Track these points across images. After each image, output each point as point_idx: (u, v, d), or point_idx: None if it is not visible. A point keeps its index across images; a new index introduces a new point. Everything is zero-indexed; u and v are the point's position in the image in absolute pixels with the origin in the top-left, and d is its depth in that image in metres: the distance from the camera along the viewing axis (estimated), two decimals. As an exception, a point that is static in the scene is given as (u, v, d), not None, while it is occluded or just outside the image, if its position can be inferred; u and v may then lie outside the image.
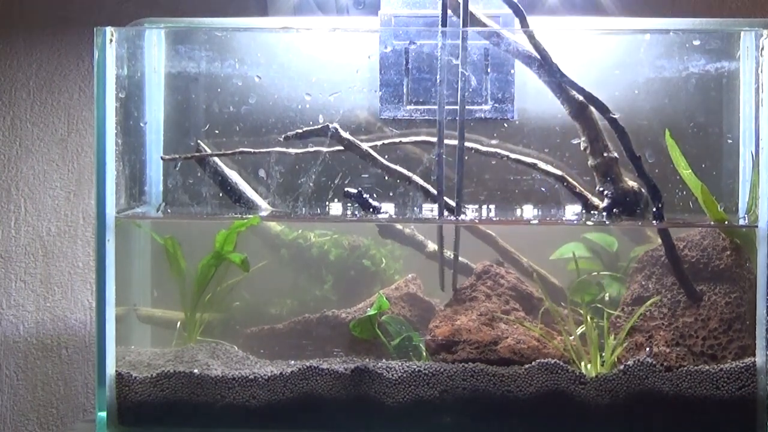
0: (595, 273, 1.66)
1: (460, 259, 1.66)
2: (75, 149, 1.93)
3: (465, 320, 1.55)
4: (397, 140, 1.56)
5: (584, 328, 1.54)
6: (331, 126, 1.53)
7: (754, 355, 1.45)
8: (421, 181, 1.55)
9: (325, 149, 1.55)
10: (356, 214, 1.58)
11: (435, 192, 1.53)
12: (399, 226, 1.69)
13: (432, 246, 1.70)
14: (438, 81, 1.52)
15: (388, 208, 1.57)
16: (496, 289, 1.62)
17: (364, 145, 1.55)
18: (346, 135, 1.54)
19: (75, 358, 1.95)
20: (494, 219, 1.57)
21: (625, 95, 1.55)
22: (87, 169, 1.92)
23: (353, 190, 1.51)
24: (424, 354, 1.58)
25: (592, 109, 1.50)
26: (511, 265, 1.67)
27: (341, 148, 1.56)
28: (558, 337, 1.55)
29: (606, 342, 1.52)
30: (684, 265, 1.54)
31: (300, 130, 1.54)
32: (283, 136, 1.53)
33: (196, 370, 1.51)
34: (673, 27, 1.60)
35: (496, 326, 1.55)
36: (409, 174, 1.55)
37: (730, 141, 1.56)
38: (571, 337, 1.52)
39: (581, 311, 1.57)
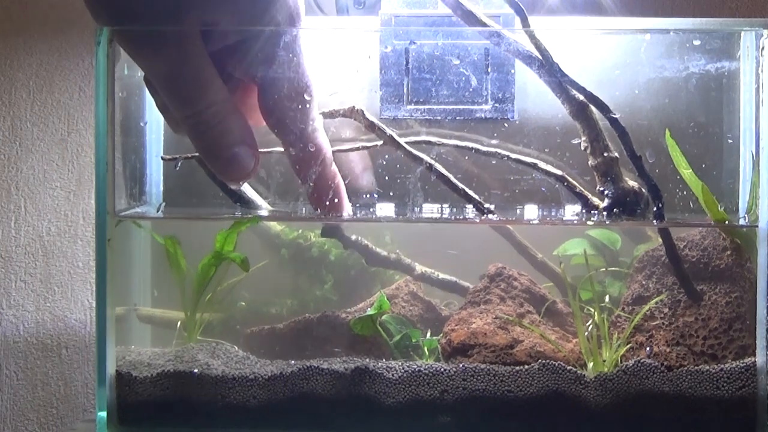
0: (602, 270, 1.66)
1: (448, 278, 1.71)
2: (75, 149, 1.93)
3: (480, 324, 1.55)
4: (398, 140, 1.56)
5: (593, 327, 1.54)
6: (357, 108, 1.53)
7: (754, 355, 1.45)
8: (443, 170, 1.54)
9: (325, 149, 1.55)
10: (356, 214, 1.58)
11: (455, 181, 1.53)
12: (384, 253, 1.70)
13: (420, 268, 1.71)
14: (439, 80, 1.52)
15: (387, 209, 1.57)
16: (510, 292, 1.62)
17: (389, 129, 1.54)
18: (371, 117, 1.53)
19: (75, 358, 1.95)
20: (494, 219, 1.57)
21: (626, 95, 1.55)
22: (87, 169, 1.92)
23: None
24: (426, 352, 1.58)
25: (593, 108, 1.50)
26: (527, 260, 1.67)
27: (341, 148, 1.56)
28: (573, 339, 1.55)
29: (605, 341, 1.52)
30: (684, 265, 1.54)
31: (327, 110, 1.53)
32: None
33: (196, 370, 1.51)
34: (673, 27, 1.60)
35: (512, 329, 1.55)
36: (432, 161, 1.54)
37: (730, 141, 1.56)
38: (588, 340, 1.52)
39: (591, 308, 1.57)
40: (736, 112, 1.56)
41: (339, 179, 1.44)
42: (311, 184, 1.38)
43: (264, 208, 1.62)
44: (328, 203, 1.44)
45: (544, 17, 1.62)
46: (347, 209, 1.38)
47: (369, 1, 1.64)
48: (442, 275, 1.71)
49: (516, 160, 1.57)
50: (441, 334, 1.58)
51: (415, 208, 1.57)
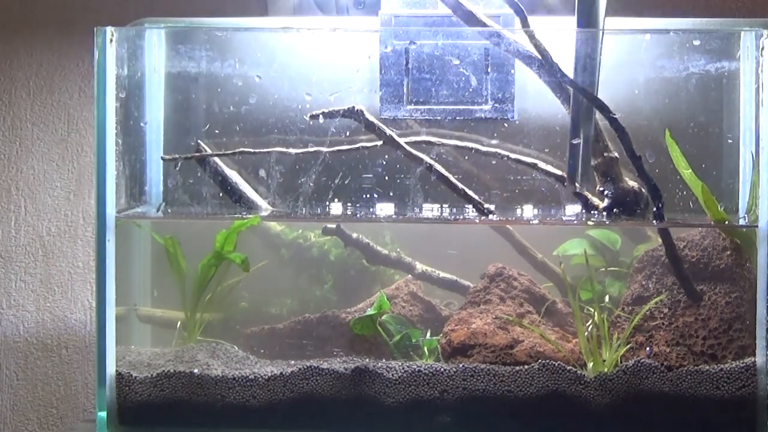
0: (602, 270, 1.66)
1: (448, 277, 1.70)
2: (75, 149, 1.93)
3: (480, 324, 1.55)
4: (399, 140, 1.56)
5: (593, 327, 1.54)
6: (356, 108, 1.53)
7: (754, 355, 1.45)
8: (442, 170, 1.54)
9: (325, 149, 1.55)
10: (356, 214, 1.58)
11: (455, 181, 1.53)
12: (385, 252, 1.70)
13: (420, 267, 1.71)
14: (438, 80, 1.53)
15: (387, 208, 1.57)
16: (510, 292, 1.62)
17: (388, 129, 1.54)
18: (370, 117, 1.53)
19: (75, 358, 1.95)
20: (495, 219, 1.57)
21: (625, 95, 1.55)
22: (87, 169, 1.92)
23: None
24: (425, 352, 1.58)
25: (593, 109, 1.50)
26: (526, 260, 1.67)
27: (341, 147, 1.56)
28: (573, 339, 1.55)
29: (605, 341, 1.52)
30: (684, 265, 1.54)
31: (327, 110, 1.53)
32: (309, 114, 1.53)
33: (196, 370, 1.51)
34: (673, 27, 1.60)
35: (512, 329, 1.55)
36: (432, 161, 1.54)
37: (730, 141, 1.56)
38: (588, 340, 1.52)
39: (591, 308, 1.57)
40: (736, 112, 1.56)
41: None
42: None
43: (264, 208, 1.62)
44: None
45: (544, 17, 1.62)
46: None
47: (369, 1, 1.64)
48: (442, 274, 1.71)
49: (516, 160, 1.57)
50: (441, 334, 1.58)
51: (415, 208, 1.57)
